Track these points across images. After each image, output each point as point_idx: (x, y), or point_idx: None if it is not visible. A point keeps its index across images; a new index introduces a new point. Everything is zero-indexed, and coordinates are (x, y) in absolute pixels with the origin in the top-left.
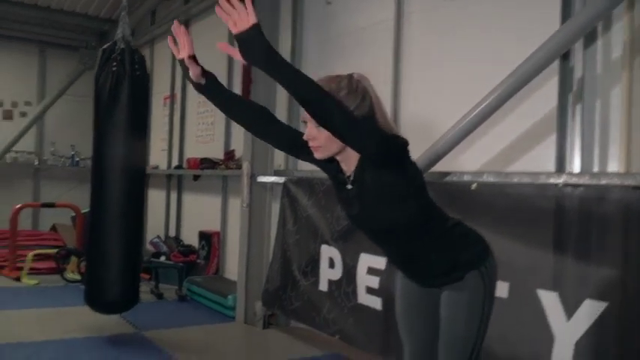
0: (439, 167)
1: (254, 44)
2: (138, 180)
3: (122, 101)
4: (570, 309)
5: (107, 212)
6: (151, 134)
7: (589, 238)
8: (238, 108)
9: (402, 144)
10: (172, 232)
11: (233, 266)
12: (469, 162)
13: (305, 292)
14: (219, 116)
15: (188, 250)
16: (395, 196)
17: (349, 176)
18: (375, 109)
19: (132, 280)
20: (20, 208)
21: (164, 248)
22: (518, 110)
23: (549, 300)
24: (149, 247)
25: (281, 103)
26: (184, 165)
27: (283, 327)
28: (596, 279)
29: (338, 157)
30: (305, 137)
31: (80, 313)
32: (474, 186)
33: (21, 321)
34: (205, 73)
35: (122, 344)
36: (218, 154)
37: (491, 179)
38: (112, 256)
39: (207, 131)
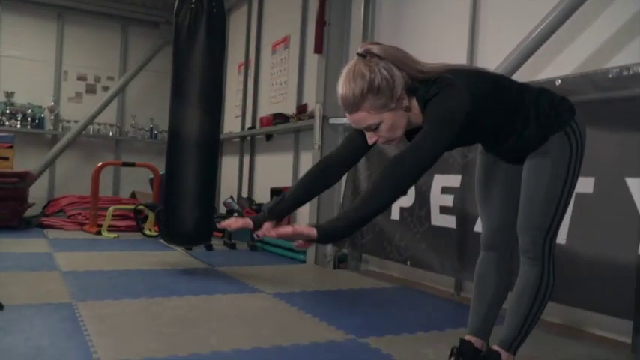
0: (524, 74)
1: (327, 241)
2: (213, 112)
3: (199, 37)
4: None
5: (184, 144)
6: (225, 103)
7: None
8: (315, 189)
9: (463, 110)
10: (245, 194)
11: (304, 219)
12: (557, 66)
13: (376, 224)
14: (292, 74)
15: (260, 208)
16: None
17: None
18: (405, 68)
19: (205, 214)
20: (102, 166)
21: (236, 207)
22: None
23: (638, 187)
24: (222, 208)
25: (354, 42)
26: (257, 126)
27: (353, 269)
28: None
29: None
30: (369, 136)
31: (157, 254)
32: (558, 82)
33: (101, 258)
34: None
35: (197, 274)
36: (291, 110)
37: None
38: (188, 189)
39: (280, 91)
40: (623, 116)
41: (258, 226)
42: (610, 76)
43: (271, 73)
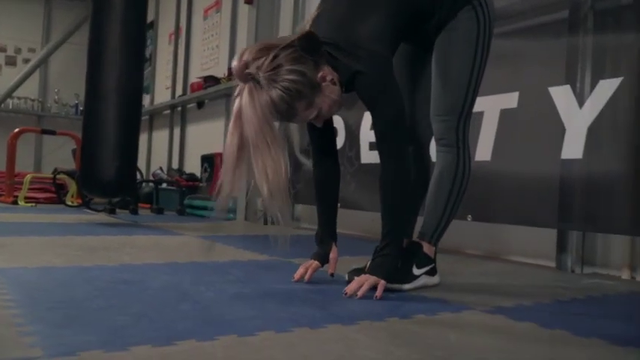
0: None
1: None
2: (135, 64)
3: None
4: (582, 96)
5: (104, 83)
6: (156, 76)
7: (604, 20)
8: (333, 194)
9: (387, 65)
10: (176, 165)
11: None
12: None
13: (307, 172)
14: (224, 37)
15: (191, 177)
16: None
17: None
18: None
19: (127, 162)
20: (19, 133)
21: (165, 177)
22: None
23: (561, 94)
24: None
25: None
26: (188, 91)
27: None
28: (612, 57)
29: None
30: (310, 122)
31: (78, 216)
32: None
33: (15, 219)
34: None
35: (118, 226)
36: (222, 72)
37: None
38: (107, 135)
39: (212, 56)
40: (546, 25)
41: (324, 260)
42: None
43: (203, 39)
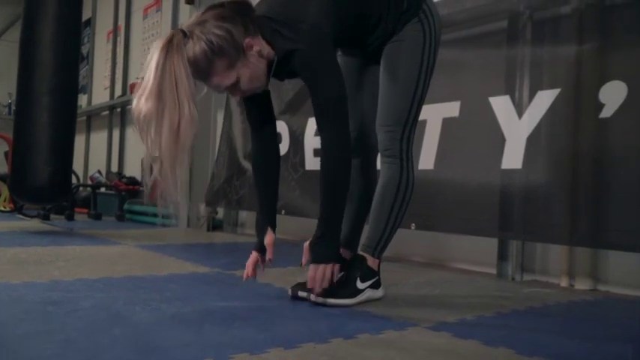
0: None
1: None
2: (70, 63)
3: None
4: (521, 107)
5: (36, 85)
6: (94, 75)
7: (542, 27)
8: (271, 175)
9: (327, 40)
10: (115, 168)
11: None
12: None
13: (250, 177)
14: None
15: (130, 181)
16: None
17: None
18: (237, 18)
19: (61, 168)
20: None
21: (103, 181)
22: None
23: (501, 104)
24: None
25: None
26: (128, 91)
27: (229, 232)
28: (550, 68)
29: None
30: (232, 95)
31: (8, 224)
32: None
33: None
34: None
35: (50, 235)
36: None
37: None
38: (39, 138)
39: None
40: (485, 36)
41: (262, 249)
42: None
43: (143, 38)
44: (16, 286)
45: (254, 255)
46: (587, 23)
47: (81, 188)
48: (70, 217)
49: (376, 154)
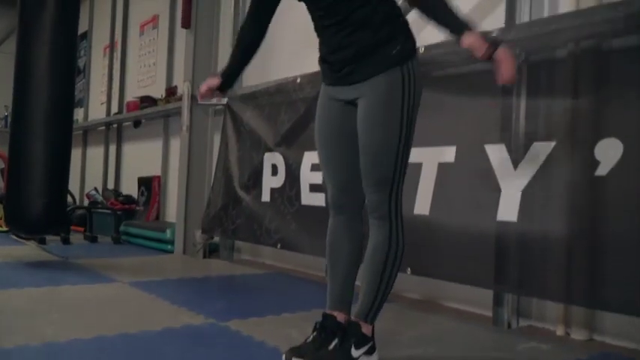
0: None
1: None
2: (65, 84)
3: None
4: (517, 158)
5: (31, 116)
6: (90, 88)
7: (538, 79)
8: (251, 51)
9: None
10: (111, 185)
11: (174, 210)
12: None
13: (247, 207)
14: (161, 55)
15: (127, 199)
16: None
17: None
18: None
19: (56, 199)
20: None
21: (100, 199)
22: None
23: (496, 153)
24: (85, 200)
25: (225, 15)
26: (124, 110)
27: (225, 259)
28: (545, 119)
29: None
30: None
31: (3, 249)
32: (421, 49)
33: None
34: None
35: (45, 267)
36: (160, 93)
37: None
38: (34, 169)
39: (149, 73)
40: (481, 83)
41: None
42: None
43: (139, 55)
44: (8, 353)
45: (213, 80)
46: (583, 69)
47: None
48: (66, 241)
49: (363, 208)
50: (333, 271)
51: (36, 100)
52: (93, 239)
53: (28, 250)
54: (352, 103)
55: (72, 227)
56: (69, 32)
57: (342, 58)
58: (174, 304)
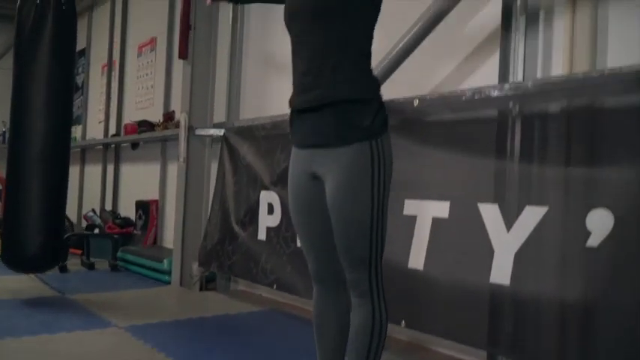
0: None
1: None
2: (62, 120)
3: (45, 36)
4: (510, 220)
5: (27, 154)
6: (88, 107)
7: (531, 142)
8: None
9: None
10: (109, 206)
11: (172, 235)
12: (414, 87)
13: (243, 244)
14: (159, 78)
15: (125, 222)
16: None
17: None
18: None
19: (53, 233)
20: None
21: (98, 221)
22: (462, 30)
23: (490, 213)
24: (83, 222)
25: (222, 47)
26: (122, 132)
27: (222, 290)
28: (537, 183)
29: None
30: None
31: None
32: (415, 102)
33: None
34: None
35: (43, 306)
36: (157, 117)
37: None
38: (31, 204)
39: (147, 96)
40: (475, 140)
41: None
42: (464, 98)
43: (137, 77)
44: None
45: None
46: (575, 133)
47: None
48: (64, 269)
49: (344, 280)
50: (320, 343)
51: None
52: (90, 266)
53: (25, 281)
54: (320, 178)
55: (69, 250)
56: (66, 51)
57: (307, 100)
58: (169, 357)
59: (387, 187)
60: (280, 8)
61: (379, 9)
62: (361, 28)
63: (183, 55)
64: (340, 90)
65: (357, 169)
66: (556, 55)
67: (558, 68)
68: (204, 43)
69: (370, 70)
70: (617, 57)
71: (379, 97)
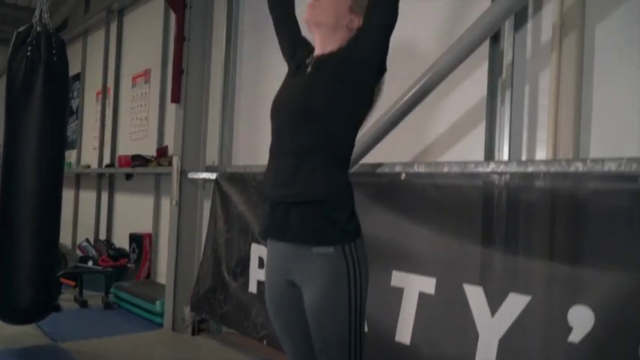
0: (370, 159)
1: None
2: (54, 176)
3: (37, 90)
4: (494, 304)
5: (17, 210)
6: (83, 132)
7: (516, 229)
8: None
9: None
10: (103, 235)
11: (165, 269)
12: (400, 153)
13: (234, 294)
14: (153, 111)
15: (118, 253)
16: (342, 91)
17: (315, 59)
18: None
19: (45, 285)
20: None
21: (92, 252)
22: (449, 99)
23: (475, 295)
24: (77, 252)
25: (215, 90)
26: (116, 164)
27: (214, 334)
28: (522, 271)
29: (318, 36)
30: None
31: None
32: (403, 176)
33: None
34: None
35: (36, 357)
36: (152, 150)
37: (422, 169)
38: (22, 258)
39: (141, 127)
40: (461, 219)
41: None
42: (446, 169)
43: (132, 107)
44: None
45: None
46: (558, 220)
47: (68, 259)
48: (57, 308)
49: None
50: None
51: (24, 180)
52: (83, 304)
53: (14, 327)
54: (297, 286)
55: (62, 281)
56: (58, 106)
57: (283, 195)
58: None
59: (363, 295)
60: (274, 52)
61: (371, 107)
62: (344, 133)
63: (176, 99)
64: (316, 191)
65: (333, 282)
66: (540, 132)
67: (543, 148)
68: (197, 86)
69: (347, 175)
70: (600, 147)
71: (353, 203)
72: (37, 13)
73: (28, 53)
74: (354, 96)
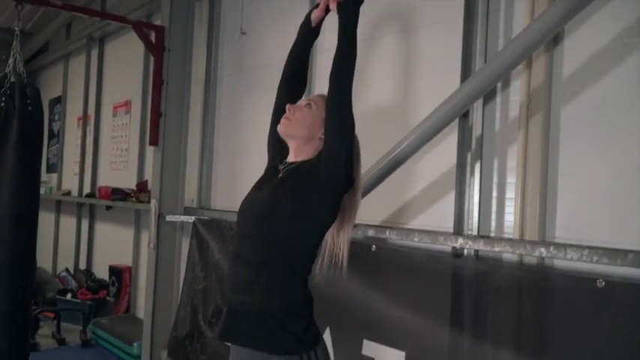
0: None
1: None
2: (27, 230)
3: (10, 141)
4: None
5: None
6: (64, 156)
7: (484, 312)
8: (299, 56)
9: (350, 181)
10: (83, 263)
11: (144, 302)
12: (373, 216)
13: (210, 345)
14: (133, 143)
15: (98, 285)
16: (304, 204)
17: (287, 166)
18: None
19: (19, 332)
20: None
21: (72, 284)
22: (420, 167)
23: None
24: (57, 282)
25: (193, 133)
26: (96, 194)
27: None
28: (490, 357)
29: (293, 145)
30: (289, 106)
31: None
32: (373, 248)
33: None
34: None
35: None
36: (132, 181)
37: (393, 235)
38: None
39: (122, 157)
40: (430, 297)
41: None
42: (416, 239)
43: (112, 137)
44: None
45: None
46: (526, 303)
47: (48, 288)
48: (35, 347)
49: None
50: None
51: None
52: (61, 342)
53: None
54: None
55: (42, 313)
56: (32, 158)
57: (241, 301)
58: None
59: None
60: (253, 94)
61: (335, 219)
62: (306, 245)
63: (154, 142)
64: (273, 305)
65: None
66: (509, 206)
67: (512, 221)
68: (175, 129)
69: (306, 288)
70: (565, 230)
71: (311, 314)
72: (10, 62)
73: (2, 104)
74: (317, 210)
